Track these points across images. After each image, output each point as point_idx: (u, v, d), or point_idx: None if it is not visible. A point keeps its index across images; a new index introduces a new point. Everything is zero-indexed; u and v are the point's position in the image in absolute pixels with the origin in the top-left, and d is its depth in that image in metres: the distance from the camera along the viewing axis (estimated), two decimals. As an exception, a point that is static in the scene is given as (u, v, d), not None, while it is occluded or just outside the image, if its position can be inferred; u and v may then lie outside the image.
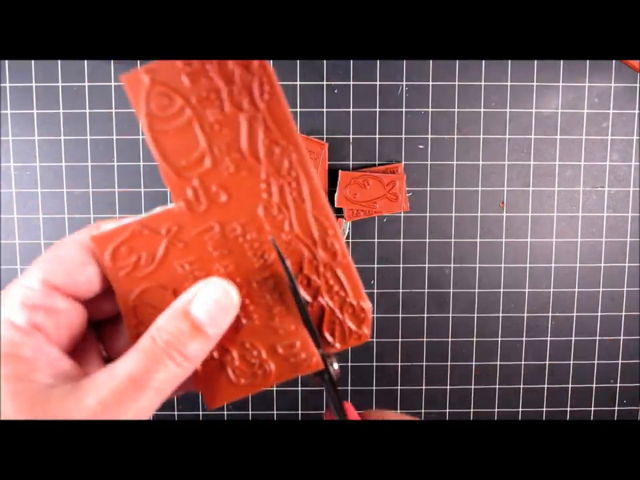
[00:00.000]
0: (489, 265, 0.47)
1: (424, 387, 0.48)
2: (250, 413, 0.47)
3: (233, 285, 0.18)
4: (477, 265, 0.47)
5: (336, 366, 0.19)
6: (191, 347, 0.16)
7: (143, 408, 0.16)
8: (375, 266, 0.46)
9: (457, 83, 0.45)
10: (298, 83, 0.45)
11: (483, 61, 0.45)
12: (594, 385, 0.48)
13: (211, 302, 0.17)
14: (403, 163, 0.45)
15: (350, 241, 0.46)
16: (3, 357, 0.16)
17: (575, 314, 0.47)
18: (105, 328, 0.20)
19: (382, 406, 0.48)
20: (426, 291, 0.47)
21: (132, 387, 0.16)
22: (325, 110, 0.45)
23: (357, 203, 0.45)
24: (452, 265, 0.47)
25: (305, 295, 0.19)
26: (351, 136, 0.45)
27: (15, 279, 0.17)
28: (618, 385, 0.48)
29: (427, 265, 0.47)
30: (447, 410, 0.48)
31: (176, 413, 0.47)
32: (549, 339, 0.47)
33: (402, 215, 0.46)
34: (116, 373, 0.16)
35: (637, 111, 0.46)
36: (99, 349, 0.20)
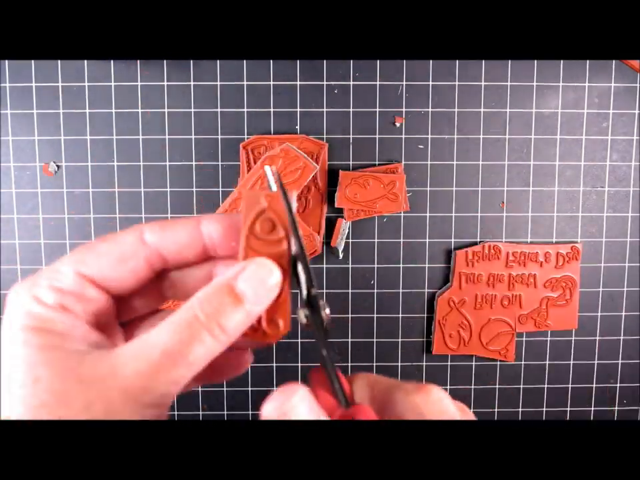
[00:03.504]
0: (489, 265, 0.47)
1: (424, 387, 0.48)
2: (250, 413, 0.47)
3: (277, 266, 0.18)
4: (477, 265, 0.47)
5: (327, 310, 0.18)
6: (232, 320, 0.17)
7: (175, 381, 0.16)
8: (375, 266, 0.46)
9: (456, 82, 0.45)
10: (298, 82, 0.45)
11: (483, 61, 0.45)
12: (594, 385, 0.48)
13: (257, 279, 0.17)
14: (403, 163, 0.45)
15: (350, 240, 0.46)
16: (34, 330, 0.16)
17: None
18: (130, 326, 0.20)
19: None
20: (426, 290, 0.47)
21: (166, 361, 0.16)
22: (324, 110, 0.45)
23: (357, 202, 0.45)
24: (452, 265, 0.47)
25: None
26: (351, 136, 0.45)
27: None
28: (618, 385, 0.48)
29: (426, 265, 0.47)
30: (447, 410, 0.48)
31: (176, 412, 0.47)
32: (549, 339, 0.47)
33: (402, 214, 0.46)
34: (150, 345, 0.16)
35: (637, 111, 0.46)
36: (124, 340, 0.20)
